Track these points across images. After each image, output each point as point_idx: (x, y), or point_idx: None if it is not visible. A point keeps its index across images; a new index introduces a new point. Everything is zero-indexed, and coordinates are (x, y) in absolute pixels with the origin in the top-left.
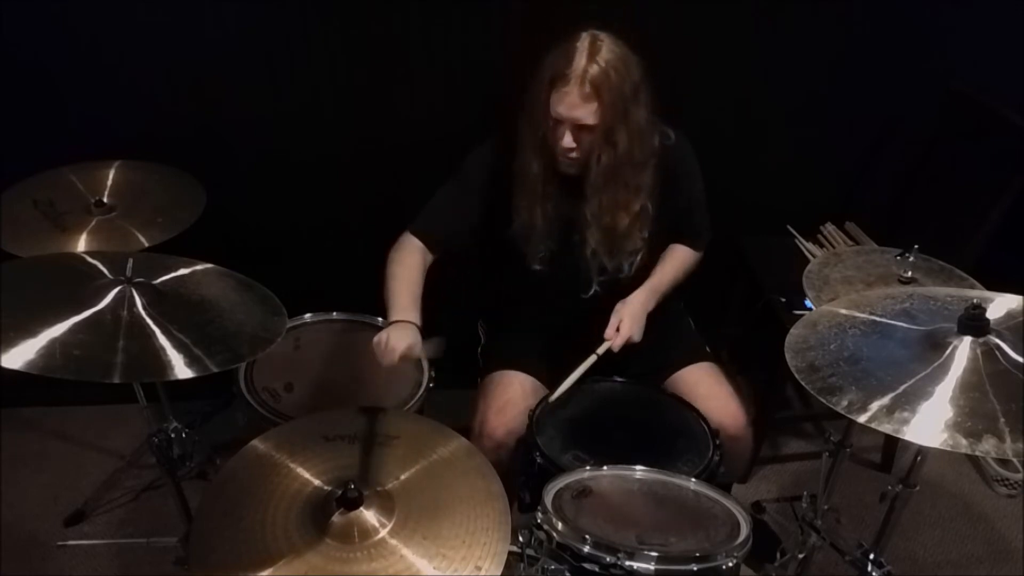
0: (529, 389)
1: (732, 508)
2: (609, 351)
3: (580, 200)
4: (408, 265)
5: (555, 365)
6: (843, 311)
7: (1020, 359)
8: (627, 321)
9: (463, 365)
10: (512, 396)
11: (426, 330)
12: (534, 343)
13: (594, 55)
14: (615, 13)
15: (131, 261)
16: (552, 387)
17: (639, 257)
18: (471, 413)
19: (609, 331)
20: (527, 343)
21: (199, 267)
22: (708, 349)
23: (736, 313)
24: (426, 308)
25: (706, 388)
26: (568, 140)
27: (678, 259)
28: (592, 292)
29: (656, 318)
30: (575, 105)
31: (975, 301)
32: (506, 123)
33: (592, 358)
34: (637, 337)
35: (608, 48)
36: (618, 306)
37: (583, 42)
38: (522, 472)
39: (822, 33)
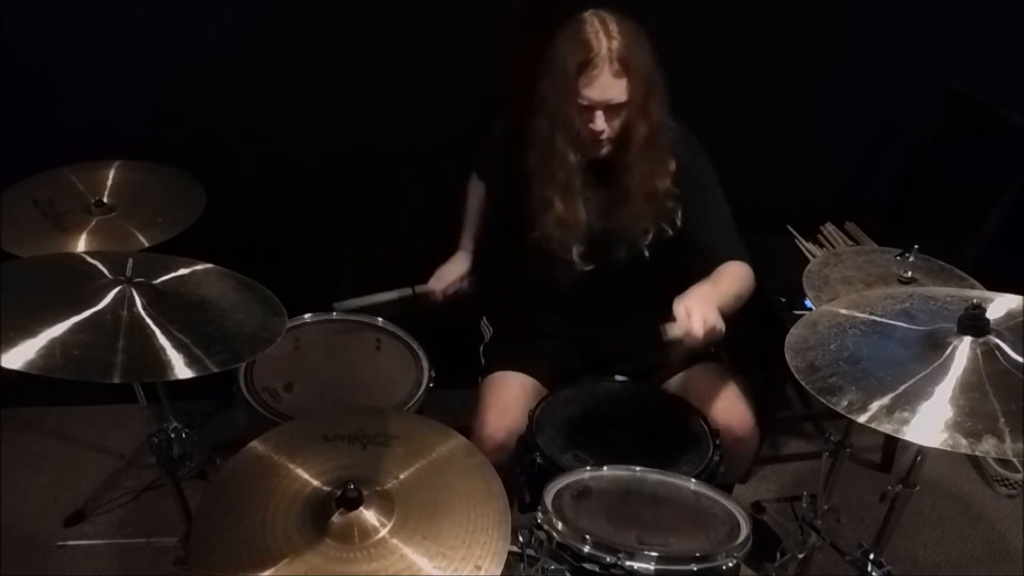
0: (531, 391)
1: (732, 508)
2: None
3: (611, 183)
4: (470, 203)
5: (559, 369)
6: (843, 311)
7: (1020, 359)
8: (695, 307)
9: (463, 365)
10: (513, 398)
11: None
12: (539, 345)
13: (610, 33)
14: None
15: (131, 261)
16: (553, 390)
17: (670, 234)
18: (472, 413)
19: (681, 324)
20: (532, 345)
21: (199, 267)
22: (712, 349)
23: (736, 313)
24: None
25: (713, 388)
26: (601, 123)
27: (730, 272)
28: (579, 270)
29: (663, 314)
30: (607, 86)
31: (975, 301)
32: (516, 122)
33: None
34: (718, 322)
35: (618, 23)
36: (678, 300)
37: (593, 24)
38: (522, 472)
39: (822, 33)
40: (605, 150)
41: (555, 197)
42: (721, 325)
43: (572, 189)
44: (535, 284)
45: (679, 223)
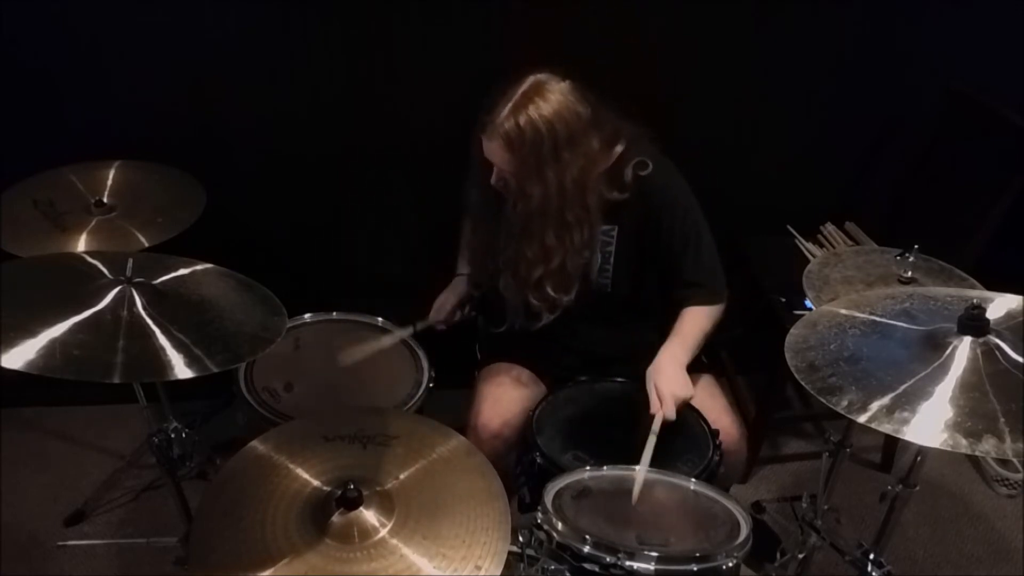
0: (526, 382)
1: (732, 508)
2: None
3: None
4: (464, 232)
5: (554, 362)
6: (843, 311)
7: (1020, 359)
8: (664, 387)
9: (463, 365)
10: (508, 387)
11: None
12: (532, 338)
13: (520, 108)
14: (611, 18)
15: (131, 261)
16: (547, 381)
17: (599, 279)
18: (467, 405)
19: (653, 407)
20: (526, 338)
21: (199, 267)
22: (705, 359)
23: (736, 313)
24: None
25: (700, 401)
26: (495, 177)
27: (693, 323)
28: (544, 320)
29: (653, 328)
30: (491, 152)
31: (975, 301)
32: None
33: (652, 439)
34: (685, 392)
35: (542, 102)
36: (649, 374)
37: (520, 91)
38: (522, 472)
39: (822, 33)
40: (512, 199)
41: (487, 257)
42: (690, 393)
43: (485, 220)
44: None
45: (617, 252)
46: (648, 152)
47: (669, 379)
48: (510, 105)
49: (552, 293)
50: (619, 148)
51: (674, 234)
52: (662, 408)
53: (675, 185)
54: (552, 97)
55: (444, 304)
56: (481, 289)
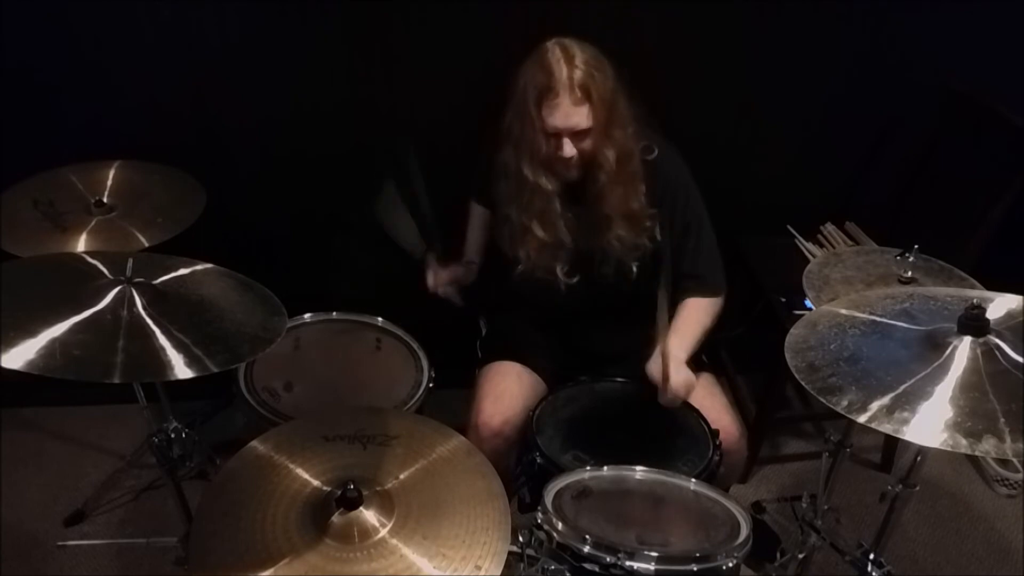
0: (527, 380)
1: (732, 508)
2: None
3: (589, 204)
4: (471, 223)
5: (555, 361)
6: (843, 311)
7: (1020, 359)
8: (676, 378)
9: (462, 365)
10: (509, 385)
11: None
12: (533, 337)
13: (571, 60)
14: (611, 18)
15: (131, 261)
16: (548, 380)
17: (646, 258)
18: (467, 404)
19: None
20: (527, 336)
21: (199, 267)
22: (705, 358)
23: (736, 313)
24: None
25: (700, 400)
26: (569, 149)
27: (692, 317)
28: (565, 290)
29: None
30: (569, 113)
31: (975, 301)
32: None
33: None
34: (688, 382)
35: (580, 51)
36: (648, 367)
37: (554, 52)
38: (522, 472)
39: (822, 33)
40: (576, 173)
41: (533, 224)
42: (693, 385)
43: (551, 214)
44: (527, 301)
45: (659, 237)
46: (654, 138)
47: (677, 374)
48: (563, 61)
49: (625, 233)
50: (631, 129)
51: (675, 221)
52: (678, 393)
53: (679, 172)
54: (584, 46)
55: (440, 272)
56: (528, 262)
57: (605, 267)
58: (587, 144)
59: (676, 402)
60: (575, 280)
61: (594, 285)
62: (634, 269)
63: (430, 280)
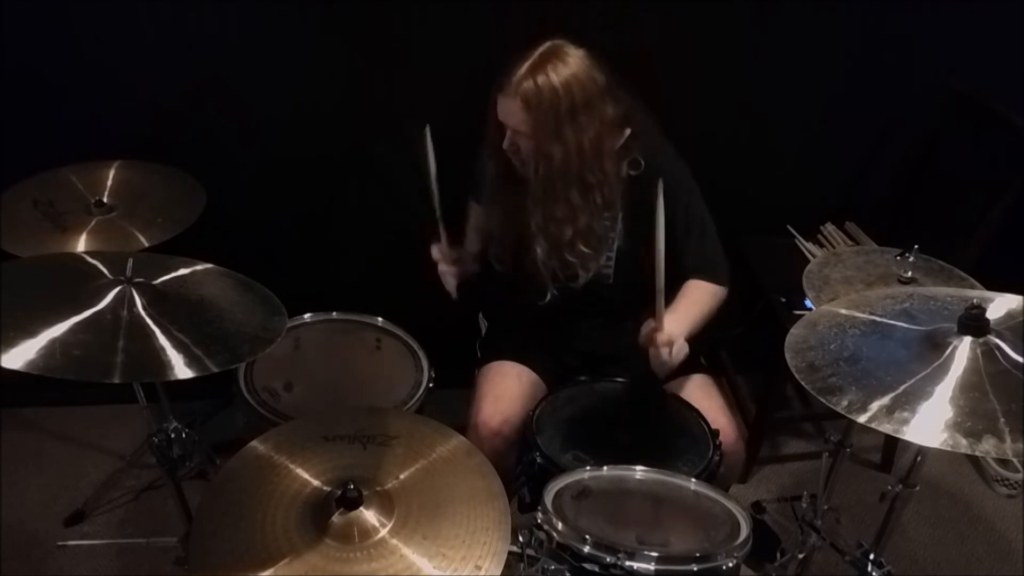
0: (527, 380)
1: (732, 508)
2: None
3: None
4: (470, 222)
5: (555, 361)
6: (843, 311)
7: (1020, 359)
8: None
9: (462, 365)
10: (509, 385)
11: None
12: (533, 337)
13: (539, 69)
14: (611, 17)
15: (131, 261)
16: (548, 380)
17: (601, 270)
18: (467, 404)
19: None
20: (526, 336)
21: (199, 267)
22: (703, 360)
23: (736, 313)
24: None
25: (697, 402)
26: (507, 142)
27: (694, 296)
28: (549, 298)
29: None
30: (508, 112)
31: (975, 301)
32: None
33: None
34: (680, 349)
35: (560, 64)
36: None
37: (537, 53)
38: (522, 472)
39: (822, 33)
40: (520, 163)
41: (486, 201)
42: (684, 353)
43: (495, 196)
44: (520, 301)
45: (620, 244)
46: (654, 138)
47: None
48: (528, 65)
49: (585, 249)
50: (628, 130)
51: (676, 220)
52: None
53: (678, 172)
54: (570, 60)
55: (447, 255)
56: (504, 265)
57: (581, 277)
58: (526, 146)
59: (666, 367)
60: (555, 289)
61: (574, 294)
62: (611, 278)
63: (435, 253)
